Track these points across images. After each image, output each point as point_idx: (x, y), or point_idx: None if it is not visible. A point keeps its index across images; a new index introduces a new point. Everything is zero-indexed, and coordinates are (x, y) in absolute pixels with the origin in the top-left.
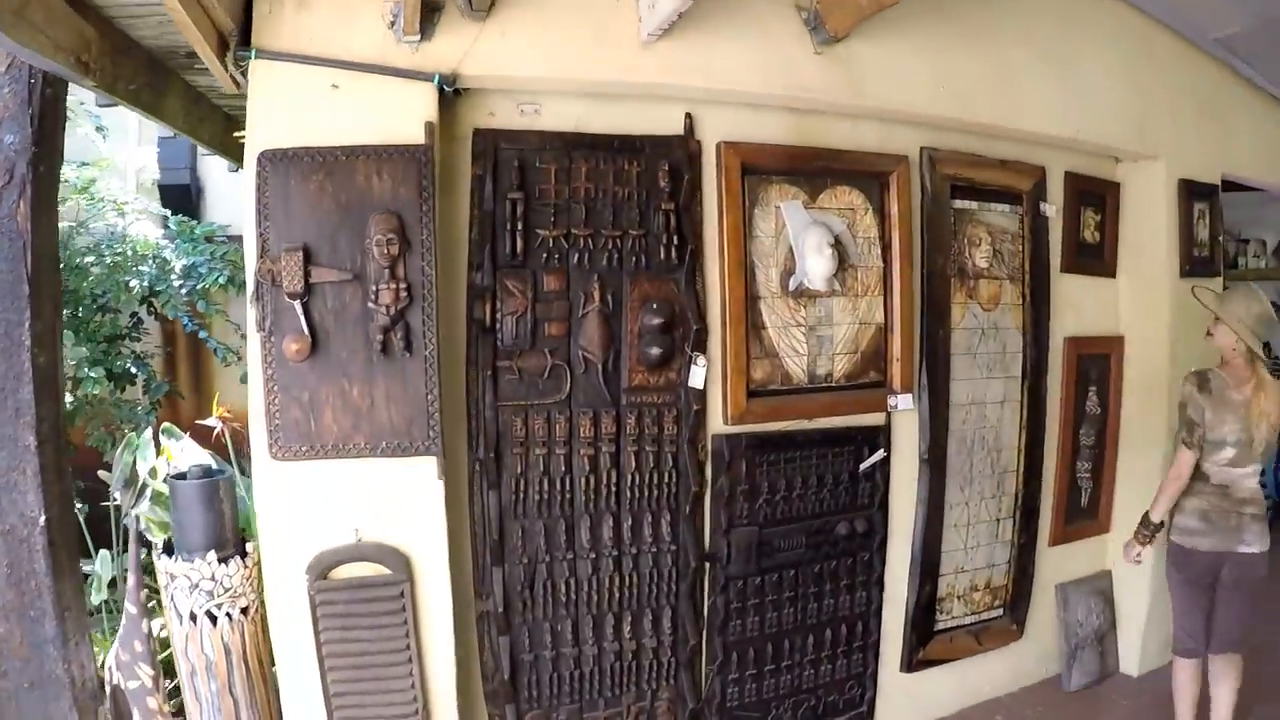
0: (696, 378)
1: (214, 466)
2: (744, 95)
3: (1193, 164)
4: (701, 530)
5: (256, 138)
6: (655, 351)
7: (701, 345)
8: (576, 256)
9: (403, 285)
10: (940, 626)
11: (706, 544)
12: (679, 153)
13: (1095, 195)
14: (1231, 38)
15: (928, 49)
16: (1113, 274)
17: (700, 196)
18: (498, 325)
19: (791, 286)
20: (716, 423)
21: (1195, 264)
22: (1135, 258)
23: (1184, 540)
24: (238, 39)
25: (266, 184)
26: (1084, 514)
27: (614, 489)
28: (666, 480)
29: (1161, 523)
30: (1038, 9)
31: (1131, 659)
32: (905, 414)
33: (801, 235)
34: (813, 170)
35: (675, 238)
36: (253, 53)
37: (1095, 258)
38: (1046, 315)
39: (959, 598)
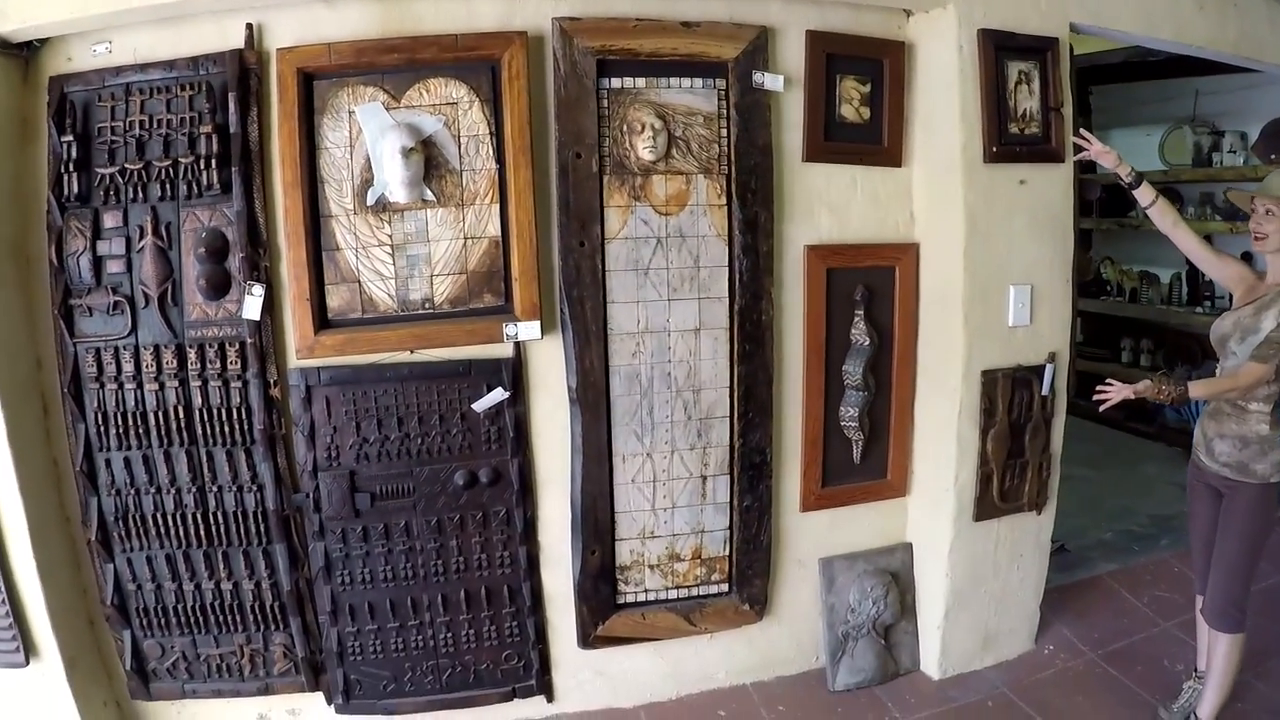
0: (250, 308)
1: None
2: None
3: (1007, 10)
4: (289, 470)
5: None
6: (203, 283)
7: (259, 273)
8: (132, 191)
9: None
10: (626, 599)
11: (300, 484)
12: (230, 69)
13: (863, 60)
14: None
15: None
16: (898, 163)
17: (261, 113)
18: (65, 264)
19: (370, 200)
20: (294, 357)
21: (1013, 144)
22: (930, 141)
23: None
24: None
25: None
26: (860, 472)
27: (184, 425)
28: (238, 417)
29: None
30: None
31: (932, 657)
32: (544, 345)
33: (379, 141)
34: (393, 64)
35: (216, 161)
36: None
37: (866, 141)
38: (768, 219)
39: (652, 567)
